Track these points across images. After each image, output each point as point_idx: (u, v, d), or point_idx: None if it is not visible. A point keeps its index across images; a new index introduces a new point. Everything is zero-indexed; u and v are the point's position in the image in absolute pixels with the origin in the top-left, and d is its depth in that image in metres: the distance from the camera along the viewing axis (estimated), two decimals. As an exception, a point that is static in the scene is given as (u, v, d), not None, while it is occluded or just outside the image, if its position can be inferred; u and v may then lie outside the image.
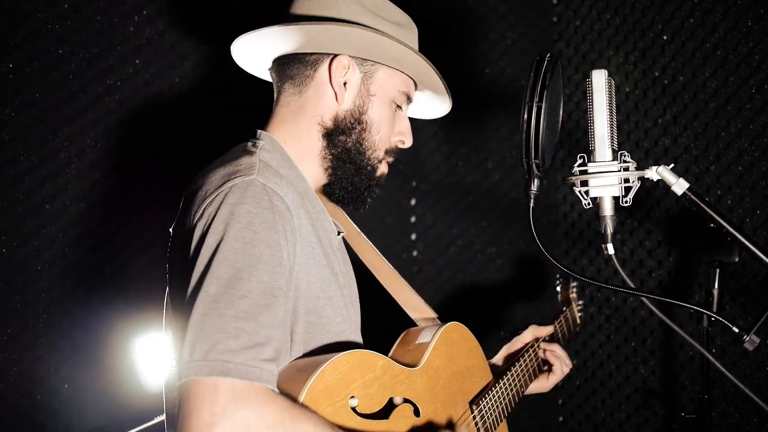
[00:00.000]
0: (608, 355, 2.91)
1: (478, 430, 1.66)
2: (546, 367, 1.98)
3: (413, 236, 3.03)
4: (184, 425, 1.11)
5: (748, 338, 1.27)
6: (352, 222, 1.77)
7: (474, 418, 1.65)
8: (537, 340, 1.97)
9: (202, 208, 1.30)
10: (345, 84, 1.50)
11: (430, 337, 1.60)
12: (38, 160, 2.11)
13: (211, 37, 2.38)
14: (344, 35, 1.46)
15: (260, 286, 1.22)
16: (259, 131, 1.52)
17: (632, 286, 1.40)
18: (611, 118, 1.35)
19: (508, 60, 3.01)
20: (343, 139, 1.52)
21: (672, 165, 1.33)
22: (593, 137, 1.35)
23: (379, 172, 1.58)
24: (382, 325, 1.68)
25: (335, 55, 1.49)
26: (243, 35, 1.52)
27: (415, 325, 1.76)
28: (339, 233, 1.59)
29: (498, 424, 1.74)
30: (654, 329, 2.79)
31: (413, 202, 3.03)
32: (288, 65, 1.53)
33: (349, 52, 1.50)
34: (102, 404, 2.21)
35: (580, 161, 1.36)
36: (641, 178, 1.33)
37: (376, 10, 1.52)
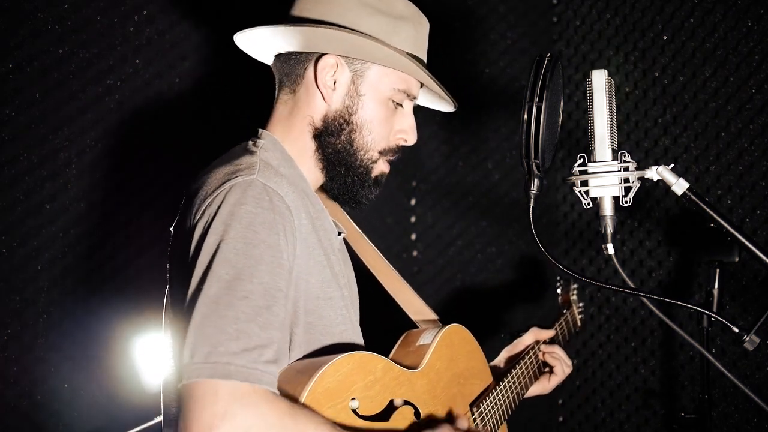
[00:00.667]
0: (608, 355, 2.90)
1: None
2: (546, 369, 1.98)
3: (413, 236, 3.03)
4: (185, 427, 1.11)
5: (748, 338, 1.27)
6: (353, 222, 1.76)
7: (474, 420, 1.65)
8: (538, 342, 1.97)
9: (203, 208, 1.29)
10: (335, 83, 1.48)
11: (431, 339, 1.60)
12: (38, 160, 2.11)
13: (212, 37, 2.38)
14: (329, 35, 1.44)
15: (261, 288, 1.21)
16: (260, 130, 1.52)
17: (632, 286, 1.40)
18: (611, 118, 1.35)
19: (508, 60, 3.01)
20: (332, 141, 1.49)
21: (672, 165, 1.33)
22: (593, 137, 1.35)
23: (374, 173, 1.55)
24: (383, 326, 1.68)
25: (321, 55, 1.47)
26: (242, 32, 1.52)
27: (416, 327, 1.76)
28: (339, 233, 1.58)
29: (498, 426, 1.73)
30: (654, 329, 2.79)
31: (413, 202, 3.03)
32: (285, 63, 1.51)
33: (337, 52, 1.47)
34: (102, 404, 2.21)
35: (580, 161, 1.36)
36: (641, 178, 1.33)
37: (377, 4, 1.48)
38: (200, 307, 1.18)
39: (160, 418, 1.96)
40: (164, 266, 1.44)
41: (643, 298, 1.46)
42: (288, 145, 1.50)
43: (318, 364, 1.28)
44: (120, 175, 2.27)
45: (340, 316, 1.45)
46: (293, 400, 1.22)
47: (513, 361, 1.92)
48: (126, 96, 2.26)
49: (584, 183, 1.35)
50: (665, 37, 2.69)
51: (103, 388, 2.20)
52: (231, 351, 1.14)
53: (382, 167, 1.56)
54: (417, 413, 1.46)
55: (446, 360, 1.61)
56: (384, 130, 1.54)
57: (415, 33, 1.53)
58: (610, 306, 2.90)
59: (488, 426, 1.68)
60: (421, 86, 1.61)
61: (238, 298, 1.18)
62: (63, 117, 2.15)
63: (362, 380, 1.34)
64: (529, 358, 1.91)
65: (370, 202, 1.58)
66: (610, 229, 1.35)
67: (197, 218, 1.29)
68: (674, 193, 1.31)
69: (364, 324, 1.65)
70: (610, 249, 1.35)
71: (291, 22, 1.47)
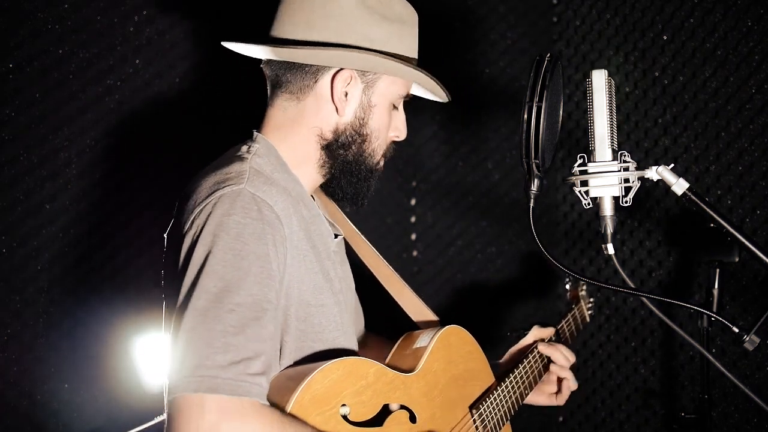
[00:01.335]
0: (608, 355, 2.90)
1: None
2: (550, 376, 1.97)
3: (413, 236, 3.03)
4: None
5: (748, 338, 1.28)
6: (352, 224, 1.76)
7: (474, 422, 1.64)
8: (540, 341, 1.97)
9: (192, 218, 1.29)
10: (346, 95, 1.47)
11: (428, 341, 1.59)
12: (38, 160, 2.11)
13: (212, 37, 2.38)
14: (346, 54, 1.43)
15: (249, 299, 1.21)
16: (255, 133, 1.50)
17: (632, 286, 1.40)
18: (611, 118, 1.35)
19: (508, 60, 3.01)
20: (343, 153, 1.50)
21: (672, 165, 1.33)
22: (593, 137, 1.36)
23: (377, 174, 1.57)
24: (383, 328, 1.68)
25: (339, 69, 1.46)
26: (239, 45, 1.50)
27: (416, 328, 1.76)
28: (336, 236, 1.58)
29: (501, 427, 1.72)
30: (654, 329, 2.79)
31: (413, 202, 3.03)
32: (288, 71, 1.48)
33: (353, 67, 1.46)
34: (102, 404, 2.21)
35: (580, 161, 1.36)
36: (641, 178, 1.33)
37: (379, 8, 1.47)
38: (188, 320, 1.18)
39: (160, 418, 1.96)
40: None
41: (643, 298, 1.46)
42: (285, 151, 1.48)
43: (306, 371, 1.28)
44: (120, 175, 2.27)
45: (332, 323, 1.45)
46: (281, 408, 1.22)
47: (516, 361, 1.92)
48: (126, 96, 2.26)
49: (584, 183, 1.35)
50: (665, 37, 2.69)
51: (103, 388, 2.20)
52: (218, 364, 1.14)
53: (381, 165, 1.59)
54: (413, 417, 1.45)
55: (444, 362, 1.61)
56: (387, 134, 1.56)
57: (414, 35, 1.55)
58: (610, 306, 2.90)
59: (489, 427, 1.68)
60: None
61: (225, 311, 1.18)
62: (63, 117, 2.15)
63: (353, 386, 1.33)
64: (533, 357, 1.90)
65: (367, 202, 1.59)
66: (610, 229, 1.35)
67: (186, 228, 1.29)
68: (674, 193, 1.32)
69: (366, 325, 1.65)
70: (610, 249, 1.35)
71: (305, 45, 1.44)
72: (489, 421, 1.68)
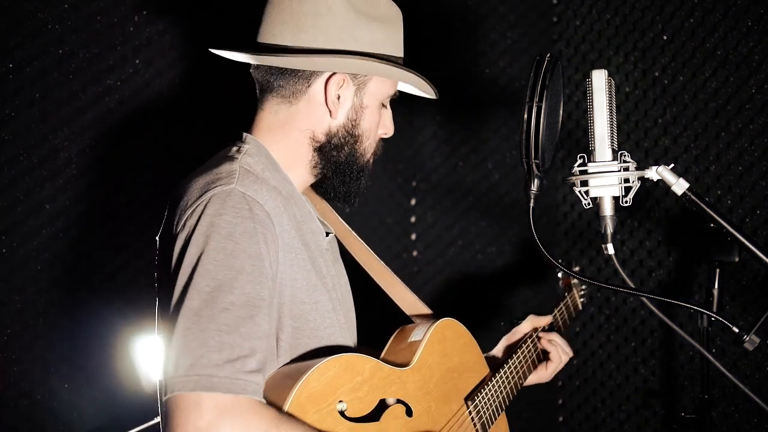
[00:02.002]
0: (608, 355, 2.91)
1: (475, 425, 1.66)
2: (545, 357, 1.97)
3: (413, 236, 3.03)
4: None
5: (748, 338, 1.27)
6: (343, 221, 1.76)
7: (470, 413, 1.65)
8: (536, 330, 1.96)
9: (183, 219, 1.29)
10: (339, 98, 1.48)
11: (422, 335, 1.59)
12: (38, 160, 2.11)
13: (212, 37, 2.38)
14: (343, 60, 1.44)
15: (243, 298, 1.22)
16: (245, 134, 1.50)
17: (632, 286, 1.40)
18: (611, 118, 1.35)
19: (508, 60, 3.01)
20: (335, 154, 1.51)
21: (672, 165, 1.33)
22: (593, 137, 1.36)
23: (367, 171, 1.58)
24: (377, 323, 1.68)
25: (332, 74, 1.47)
26: (231, 53, 1.50)
27: (411, 322, 1.76)
28: (328, 234, 1.58)
29: (496, 417, 1.73)
30: (654, 329, 2.79)
31: (413, 202, 3.03)
32: (278, 74, 1.48)
33: (345, 71, 1.47)
34: (102, 404, 2.21)
35: (580, 161, 1.36)
36: (641, 178, 1.33)
37: (367, 10, 1.48)
38: (182, 320, 1.18)
39: (159, 418, 1.96)
40: (164, 266, 1.44)
41: (643, 298, 1.46)
42: (277, 152, 1.49)
43: (303, 369, 1.28)
44: (120, 175, 2.27)
45: (327, 319, 1.45)
46: (278, 406, 1.22)
47: (511, 350, 1.92)
48: (126, 96, 2.26)
49: (584, 183, 1.35)
50: (665, 37, 2.69)
51: (103, 388, 2.20)
52: (213, 363, 1.15)
53: (371, 163, 1.60)
54: (409, 411, 1.46)
55: (439, 355, 1.61)
56: (376, 133, 1.58)
57: (400, 33, 1.56)
58: (610, 306, 2.90)
59: (485, 418, 1.68)
60: None
61: (219, 310, 1.19)
62: (63, 117, 2.15)
63: (349, 382, 1.33)
64: (526, 347, 1.90)
65: (362, 197, 1.60)
66: (610, 229, 1.35)
67: (178, 229, 1.30)
68: (674, 193, 1.31)
69: (358, 320, 1.65)
70: (610, 249, 1.35)
71: (297, 52, 1.44)
72: (484, 412, 1.69)
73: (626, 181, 1.33)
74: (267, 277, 1.28)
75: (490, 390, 1.72)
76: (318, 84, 1.47)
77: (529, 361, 1.90)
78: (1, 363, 2.06)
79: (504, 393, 1.77)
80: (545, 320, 2.00)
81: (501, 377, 1.78)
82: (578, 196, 1.35)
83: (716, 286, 2.15)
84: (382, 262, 1.78)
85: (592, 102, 1.36)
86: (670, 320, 1.37)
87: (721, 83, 2.57)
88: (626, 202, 1.33)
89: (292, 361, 1.38)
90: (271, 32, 1.47)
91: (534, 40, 3.03)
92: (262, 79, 1.51)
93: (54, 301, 2.15)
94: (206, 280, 1.21)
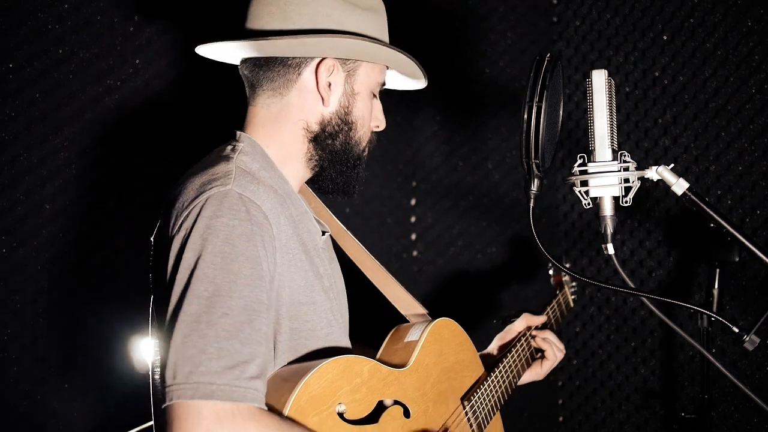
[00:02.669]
0: (608, 355, 2.91)
1: (471, 425, 1.66)
2: (539, 355, 1.97)
3: (413, 236, 3.03)
4: None
5: (748, 338, 1.27)
6: (338, 220, 1.76)
7: (466, 413, 1.65)
8: (530, 328, 1.96)
9: (180, 221, 1.28)
10: (330, 85, 1.47)
11: (419, 335, 1.59)
12: (38, 160, 2.11)
13: (212, 37, 2.38)
14: (327, 41, 1.43)
15: (241, 302, 1.21)
16: (238, 133, 1.49)
17: (632, 286, 1.40)
18: (611, 118, 1.35)
19: (508, 60, 3.01)
20: (330, 143, 1.50)
21: (672, 165, 1.33)
22: (593, 137, 1.35)
23: (363, 162, 1.57)
24: (373, 322, 1.68)
25: (322, 59, 1.46)
26: (216, 49, 1.50)
27: (406, 321, 1.75)
28: (324, 233, 1.58)
29: (491, 417, 1.73)
30: (654, 329, 2.79)
31: (413, 202, 3.03)
32: (267, 67, 1.47)
33: (335, 55, 1.47)
34: (102, 404, 2.21)
35: (580, 161, 1.36)
36: (641, 178, 1.33)
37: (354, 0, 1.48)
38: (180, 326, 1.17)
39: (160, 418, 1.96)
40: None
41: (643, 298, 1.46)
42: (272, 148, 1.48)
43: (302, 371, 1.27)
44: (120, 175, 2.27)
45: (324, 319, 1.45)
46: (278, 410, 1.22)
47: (505, 349, 1.92)
48: (126, 96, 2.26)
49: (584, 183, 1.35)
50: (665, 37, 2.69)
51: (104, 388, 2.20)
52: (213, 370, 1.14)
53: (366, 155, 1.59)
54: (407, 412, 1.46)
55: (435, 355, 1.61)
56: (369, 122, 1.57)
57: (385, 24, 1.56)
58: (610, 306, 2.90)
59: (481, 418, 1.69)
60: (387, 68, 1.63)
61: (218, 316, 1.18)
62: (63, 117, 2.15)
63: (348, 384, 1.33)
64: (521, 345, 1.90)
65: (357, 192, 1.60)
66: (610, 229, 1.35)
67: (174, 232, 1.28)
68: (674, 193, 1.31)
69: (354, 320, 1.65)
70: (610, 249, 1.35)
71: (282, 34, 1.43)
72: (480, 411, 1.69)
73: (626, 181, 1.33)
74: (265, 280, 1.27)
75: (485, 390, 1.73)
76: (308, 72, 1.47)
77: (524, 359, 1.90)
78: (1, 363, 2.06)
79: (499, 392, 1.78)
80: (539, 319, 2.00)
81: (496, 376, 1.78)
82: (578, 196, 1.35)
83: (716, 286, 2.15)
84: (377, 261, 1.78)
85: (592, 102, 1.35)
86: (670, 320, 1.37)
87: (721, 83, 2.57)
88: (626, 202, 1.33)
89: (290, 362, 1.37)
90: (258, 23, 1.46)
91: (534, 40, 3.03)
92: (251, 74, 1.50)
93: (54, 301, 2.15)
94: (204, 285, 1.20)
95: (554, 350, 1.93)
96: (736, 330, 1.28)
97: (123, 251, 2.27)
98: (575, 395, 3.00)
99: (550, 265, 2.28)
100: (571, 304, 2.26)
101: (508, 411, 1.82)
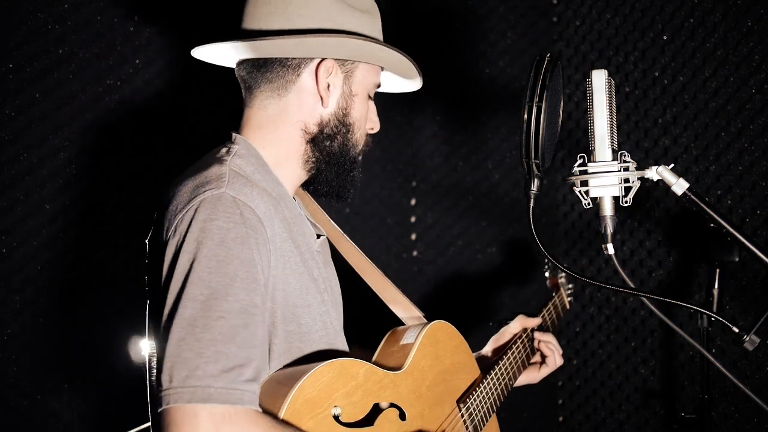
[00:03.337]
0: (608, 355, 2.91)
1: (467, 427, 1.65)
2: (536, 358, 1.96)
3: (413, 236, 3.03)
4: None
5: (748, 338, 1.27)
6: (334, 223, 1.75)
7: (462, 416, 1.65)
8: (525, 330, 1.96)
9: (174, 224, 1.27)
10: (329, 86, 1.47)
11: (414, 338, 1.59)
12: (38, 160, 2.11)
13: (209, 38, 2.38)
14: (327, 41, 1.42)
15: (237, 306, 1.21)
16: (234, 135, 1.48)
17: (632, 286, 1.40)
18: (611, 118, 1.35)
19: (508, 60, 3.01)
20: (328, 144, 1.49)
21: (672, 165, 1.33)
22: (593, 137, 1.35)
23: (359, 165, 1.57)
24: (369, 325, 1.68)
25: (321, 60, 1.46)
26: (212, 51, 1.49)
27: (402, 324, 1.75)
28: (319, 236, 1.57)
29: (487, 419, 1.73)
30: (654, 329, 2.79)
31: (413, 202, 3.03)
32: (266, 68, 1.47)
33: (335, 56, 1.46)
34: (102, 404, 2.21)
35: (580, 161, 1.36)
36: (641, 178, 1.33)
37: (350, 1, 1.48)
38: (176, 329, 1.17)
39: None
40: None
41: (643, 298, 1.46)
42: (268, 150, 1.47)
43: (297, 374, 1.27)
44: (120, 175, 2.27)
45: (319, 322, 1.44)
46: (274, 413, 1.22)
47: (500, 350, 1.91)
48: (126, 96, 2.26)
49: (584, 183, 1.35)
50: (665, 37, 2.69)
51: (103, 389, 2.20)
52: (209, 373, 1.14)
53: (361, 157, 1.58)
54: (402, 415, 1.45)
55: (431, 358, 1.61)
56: (365, 124, 1.57)
57: (379, 25, 1.56)
58: (610, 306, 2.90)
59: (476, 420, 1.68)
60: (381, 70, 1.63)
61: (214, 319, 1.18)
62: (63, 117, 2.15)
63: (344, 387, 1.33)
64: (516, 348, 1.89)
65: (354, 193, 1.59)
66: (610, 229, 1.35)
67: (168, 235, 1.27)
68: (674, 193, 1.31)
69: (350, 323, 1.65)
70: (610, 249, 1.35)
71: (288, 34, 1.43)
72: (476, 414, 1.68)
73: (626, 181, 1.33)
74: (260, 283, 1.27)
75: (481, 392, 1.72)
76: (307, 73, 1.46)
77: (519, 362, 1.90)
78: (1, 363, 2.06)
79: (495, 395, 1.77)
80: (534, 321, 1.99)
81: (492, 379, 1.77)
82: (578, 196, 1.35)
83: (716, 286, 2.15)
84: (373, 264, 1.77)
85: (592, 102, 1.35)
86: (670, 320, 1.37)
87: (721, 83, 2.57)
88: (626, 202, 1.33)
89: (285, 366, 1.37)
90: (256, 24, 1.46)
91: (534, 40, 3.03)
92: (248, 76, 1.49)
93: (54, 301, 2.15)
94: (199, 288, 1.19)
95: (556, 357, 1.93)
96: (736, 330, 1.28)
97: (123, 251, 2.27)
98: (575, 395, 3.00)
99: (547, 266, 2.28)
100: (567, 307, 2.26)
101: (508, 411, 1.82)
